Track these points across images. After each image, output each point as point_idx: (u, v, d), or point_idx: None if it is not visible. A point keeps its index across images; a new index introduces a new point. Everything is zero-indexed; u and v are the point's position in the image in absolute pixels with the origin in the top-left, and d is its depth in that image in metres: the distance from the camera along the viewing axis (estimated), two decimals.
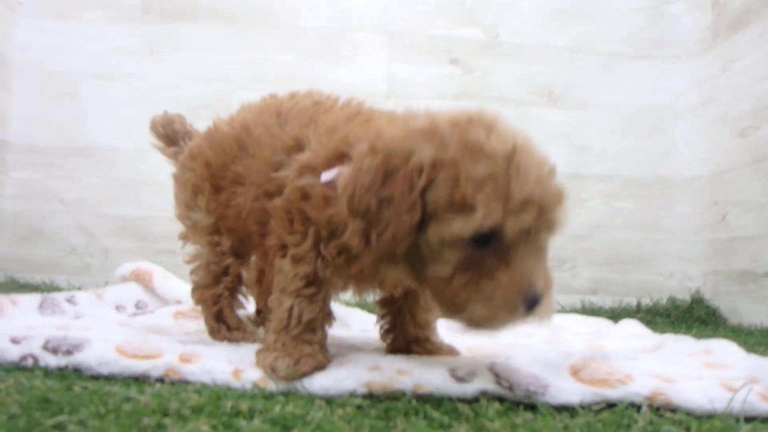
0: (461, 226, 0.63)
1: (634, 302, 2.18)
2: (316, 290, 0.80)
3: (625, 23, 2.32)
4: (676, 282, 2.27)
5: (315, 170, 0.78)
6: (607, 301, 2.21)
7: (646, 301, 2.18)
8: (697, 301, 2.14)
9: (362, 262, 0.75)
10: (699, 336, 1.35)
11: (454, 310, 0.67)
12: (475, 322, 0.65)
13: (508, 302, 0.63)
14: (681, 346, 1.09)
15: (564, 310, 2.11)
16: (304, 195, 0.78)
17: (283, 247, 0.82)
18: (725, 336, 1.43)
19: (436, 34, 2.28)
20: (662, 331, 1.56)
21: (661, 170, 2.30)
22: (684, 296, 2.19)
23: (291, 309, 0.79)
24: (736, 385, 0.72)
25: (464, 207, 0.63)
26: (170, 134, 1.18)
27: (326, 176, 0.75)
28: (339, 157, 0.76)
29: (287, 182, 0.82)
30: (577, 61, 2.31)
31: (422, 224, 0.66)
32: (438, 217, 0.65)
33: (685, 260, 2.27)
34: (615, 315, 2.04)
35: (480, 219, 0.62)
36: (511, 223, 0.62)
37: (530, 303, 0.63)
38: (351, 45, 2.26)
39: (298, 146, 0.85)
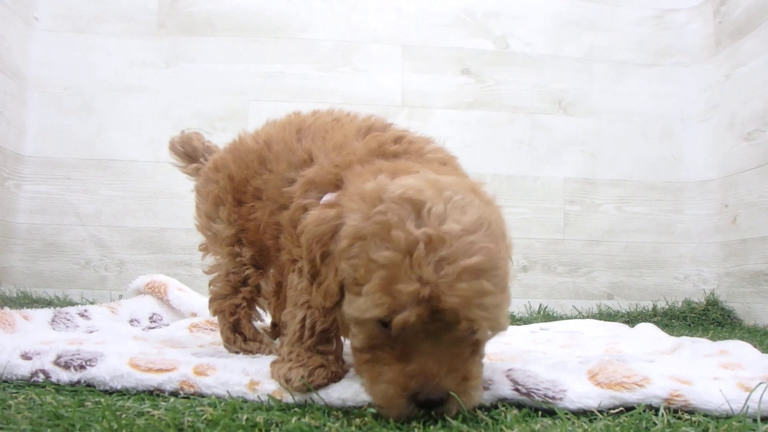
0: (353, 309, 0.61)
1: (650, 306, 2.18)
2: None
3: (631, 33, 2.37)
4: (691, 285, 2.27)
5: (318, 187, 0.79)
6: (623, 306, 2.22)
7: (662, 305, 2.19)
8: (713, 304, 2.15)
9: None
10: (715, 338, 1.35)
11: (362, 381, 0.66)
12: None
13: (388, 397, 0.61)
14: (697, 347, 1.08)
15: (581, 315, 2.12)
16: (306, 210, 0.78)
17: (294, 262, 0.82)
18: (741, 337, 1.42)
19: (447, 45, 2.32)
20: (679, 334, 1.56)
21: (672, 174, 2.32)
22: (699, 299, 2.19)
23: (303, 320, 0.78)
24: (752, 385, 0.71)
25: (359, 290, 0.60)
26: (190, 152, 1.19)
27: (324, 199, 0.76)
28: (336, 184, 0.76)
29: (294, 197, 0.82)
30: (587, 70, 2.34)
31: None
32: (347, 290, 0.64)
33: (698, 263, 2.27)
34: (632, 319, 2.05)
35: (363, 307, 0.59)
36: (397, 318, 0.58)
37: (422, 402, 0.60)
38: (365, 57, 2.28)
39: (310, 160, 0.86)
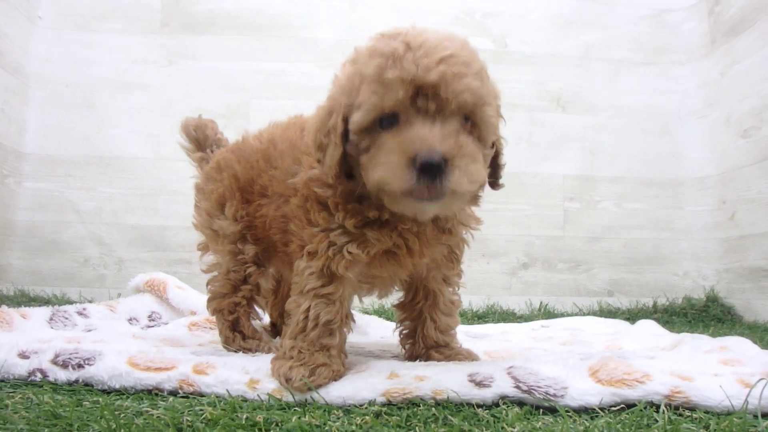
0: (357, 114, 0.71)
1: (650, 303, 2.18)
2: (334, 290, 0.79)
3: (629, 31, 2.38)
4: (691, 281, 2.28)
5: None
6: (624, 302, 2.22)
7: (663, 301, 2.19)
8: (713, 300, 2.14)
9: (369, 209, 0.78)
10: (716, 334, 1.35)
11: (369, 185, 0.73)
12: (380, 189, 0.71)
13: (391, 164, 0.68)
14: (697, 344, 1.08)
15: (582, 312, 2.12)
16: (314, 181, 0.81)
17: (303, 248, 0.82)
18: (741, 333, 1.43)
19: None
20: (679, 330, 1.56)
21: (671, 171, 2.33)
22: (699, 295, 2.19)
23: (308, 310, 0.78)
24: (752, 381, 0.71)
25: (358, 100, 0.72)
26: (201, 139, 1.18)
27: None
28: None
29: (301, 183, 0.84)
30: (585, 68, 2.36)
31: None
32: (351, 115, 0.73)
33: (698, 259, 2.27)
34: (632, 316, 2.04)
35: (363, 102, 0.70)
36: (388, 102, 0.69)
37: (422, 165, 0.66)
38: None
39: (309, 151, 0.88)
